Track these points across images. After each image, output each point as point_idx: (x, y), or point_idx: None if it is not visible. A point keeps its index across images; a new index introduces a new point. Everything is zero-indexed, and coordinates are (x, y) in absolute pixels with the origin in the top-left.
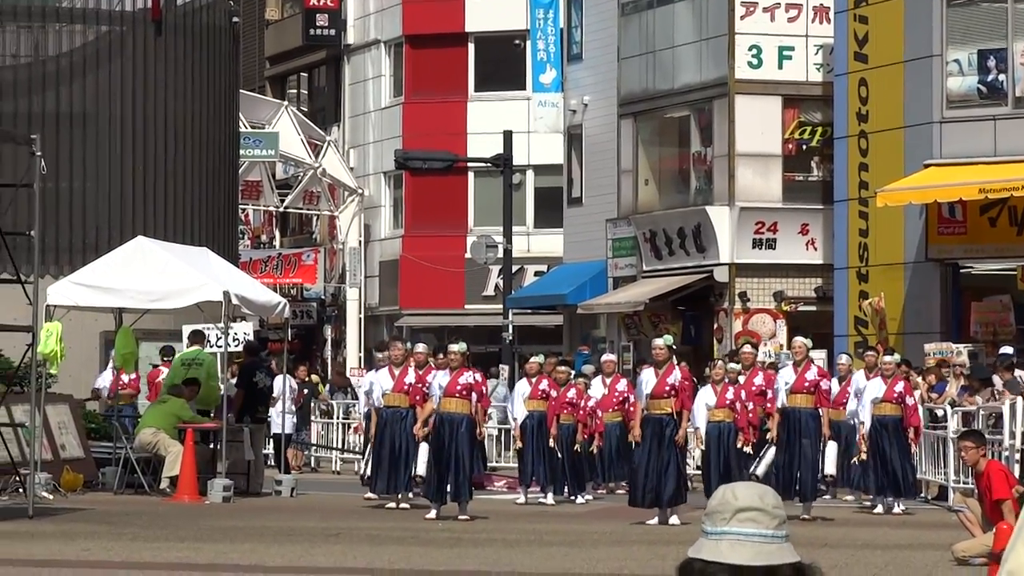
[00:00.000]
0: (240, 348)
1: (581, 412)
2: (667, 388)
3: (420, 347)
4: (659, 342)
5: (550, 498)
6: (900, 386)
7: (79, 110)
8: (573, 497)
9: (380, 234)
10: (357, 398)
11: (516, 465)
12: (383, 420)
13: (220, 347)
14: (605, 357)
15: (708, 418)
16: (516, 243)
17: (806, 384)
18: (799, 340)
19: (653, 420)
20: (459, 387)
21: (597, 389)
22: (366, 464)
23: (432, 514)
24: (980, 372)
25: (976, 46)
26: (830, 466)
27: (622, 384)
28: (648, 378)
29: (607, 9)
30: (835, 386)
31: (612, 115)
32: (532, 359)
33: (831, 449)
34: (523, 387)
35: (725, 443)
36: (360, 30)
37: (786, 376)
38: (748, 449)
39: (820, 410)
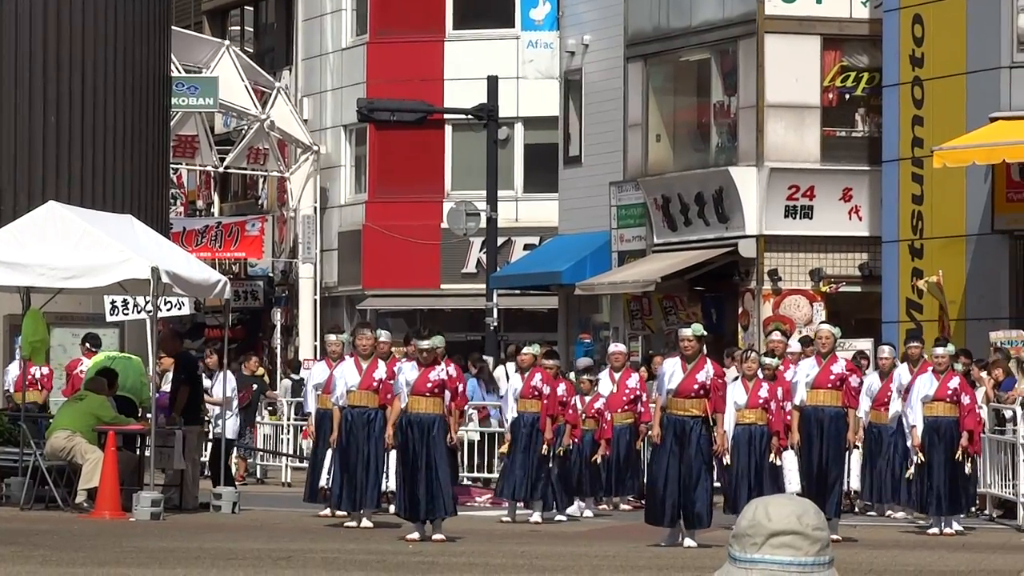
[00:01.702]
0: (177, 312)
1: (570, 412)
2: (696, 387)
3: (382, 335)
4: (687, 332)
5: (536, 515)
6: (955, 382)
7: None
8: (556, 513)
9: (339, 199)
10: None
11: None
12: (346, 422)
13: (142, 313)
14: (614, 348)
15: (736, 420)
16: (502, 211)
17: (831, 377)
18: (825, 328)
19: (676, 422)
20: (430, 383)
21: (604, 386)
22: (325, 474)
23: (415, 535)
24: None
25: None
26: (855, 479)
27: (633, 380)
28: (672, 371)
29: None
30: (876, 382)
31: (618, 58)
32: (525, 349)
33: (855, 459)
34: (516, 383)
35: (757, 450)
36: None
37: (807, 367)
38: (777, 460)
39: (847, 410)
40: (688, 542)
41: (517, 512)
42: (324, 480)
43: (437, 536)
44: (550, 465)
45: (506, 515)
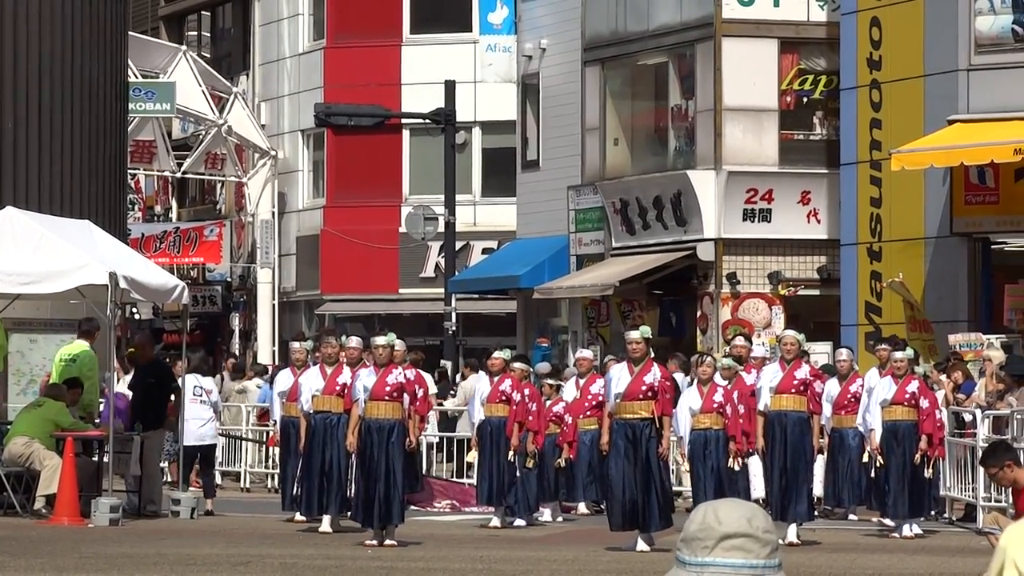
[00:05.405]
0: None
1: (532, 419)
2: (644, 388)
3: (353, 341)
4: (634, 335)
5: (495, 520)
6: (914, 386)
7: None
8: (511, 519)
9: (297, 204)
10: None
11: (466, 482)
12: (311, 428)
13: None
14: (580, 354)
15: (692, 425)
16: (460, 215)
17: (795, 382)
18: (790, 335)
19: (627, 426)
20: (388, 387)
21: (569, 391)
22: (294, 481)
23: (373, 540)
24: (1016, 367)
25: None
26: (817, 485)
27: (597, 385)
28: (619, 375)
29: None
30: (835, 387)
31: (575, 62)
32: (496, 353)
33: (817, 465)
34: (483, 386)
35: (714, 455)
36: None
37: (771, 373)
38: (736, 465)
39: (811, 415)
40: (641, 545)
41: (478, 515)
42: (295, 488)
43: (389, 542)
44: (518, 473)
45: (494, 520)
